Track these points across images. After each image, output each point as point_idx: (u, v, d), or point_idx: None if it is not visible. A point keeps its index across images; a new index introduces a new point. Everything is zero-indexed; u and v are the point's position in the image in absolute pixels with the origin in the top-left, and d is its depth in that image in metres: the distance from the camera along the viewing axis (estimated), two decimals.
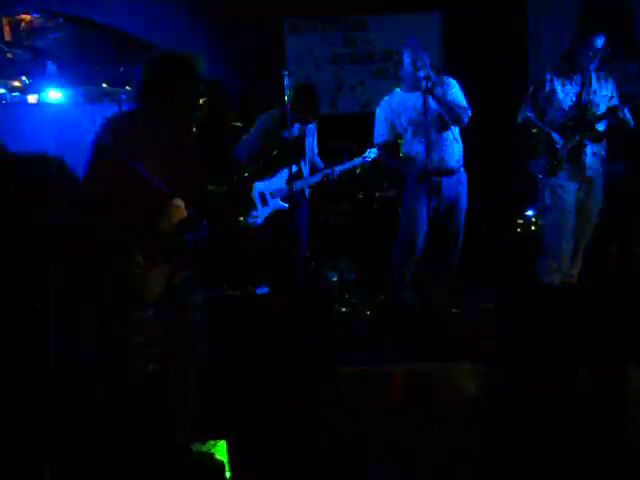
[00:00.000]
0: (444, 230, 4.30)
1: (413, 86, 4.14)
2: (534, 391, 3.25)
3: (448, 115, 4.11)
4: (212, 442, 2.95)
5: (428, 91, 4.00)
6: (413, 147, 4.24)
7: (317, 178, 4.60)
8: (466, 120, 4.15)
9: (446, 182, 4.21)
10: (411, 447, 2.96)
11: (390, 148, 4.35)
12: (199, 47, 5.81)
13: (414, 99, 4.15)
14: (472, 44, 5.56)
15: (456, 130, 4.25)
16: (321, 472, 2.76)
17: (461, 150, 4.29)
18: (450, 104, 4.10)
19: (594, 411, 3.11)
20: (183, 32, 5.88)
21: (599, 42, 4.00)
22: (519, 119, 4.23)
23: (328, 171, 4.57)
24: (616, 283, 4.36)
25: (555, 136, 4.09)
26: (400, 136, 4.28)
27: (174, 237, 2.59)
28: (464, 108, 4.15)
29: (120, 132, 2.58)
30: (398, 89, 4.32)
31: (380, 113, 4.35)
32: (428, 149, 4.06)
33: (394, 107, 4.28)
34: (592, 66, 4.06)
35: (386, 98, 4.36)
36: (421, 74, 4.01)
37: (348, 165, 4.60)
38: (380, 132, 4.35)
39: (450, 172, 4.22)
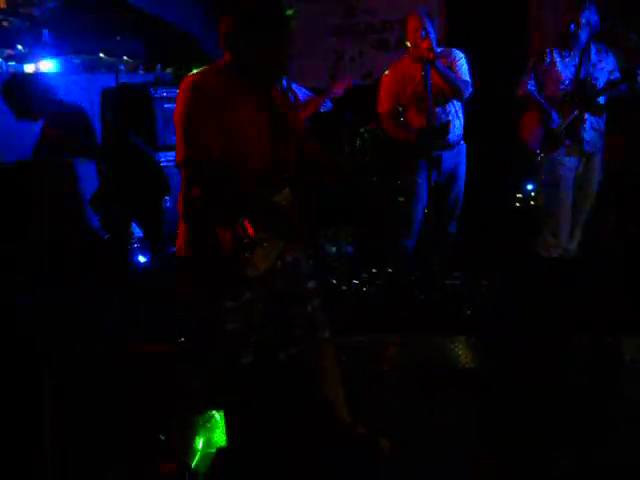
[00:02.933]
0: (443, 202, 4.30)
1: (416, 57, 4.10)
2: (532, 364, 3.28)
3: (449, 88, 4.08)
4: (211, 412, 2.98)
5: (429, 62, 3.97)
6: (415, 120, 4.21)
7: None
8: (467, 95, 4.13)
9: (446, 155, 4.20)
10: (405, 419, 2.99)
11: (392, 117, 4.32)
12: (197, 19, 5.74)
13: (419, 70, 4.11)
14: (474, 15, 5.49)
15: (458, 104, 4.22)
16: (314, 438, 2.79)
17: (462, 124, 4.26)
18: (452, 77, 4.06)
19: (592, 382, 3.14)
20: (183, 4, 5.82)
21: (596, 15, 3.96)
22: (519, 93, 4.20)
23: None
24: (614, 257, 4.36)
25: (553, 115, 4.07)
26: (403, 106, 4.25)
27: (289, 211, 2.41)
28: (466, 83, 4.11)
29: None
30: (405, 58, 4.27)
31: (385, 83, 4.30)
32: (430, 122, 4.05)
33: (400, 76, 4.24)
34: (590, 39, 4.02)
35: (392, 67, 4.32)
36: (423, 45, 3.97)
37: None
38: (384, 100, 4.31)
39: (450, 146, 4.20)
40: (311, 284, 2.60)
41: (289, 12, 2.43)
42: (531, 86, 4.16)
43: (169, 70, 5.48)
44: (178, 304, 3.54)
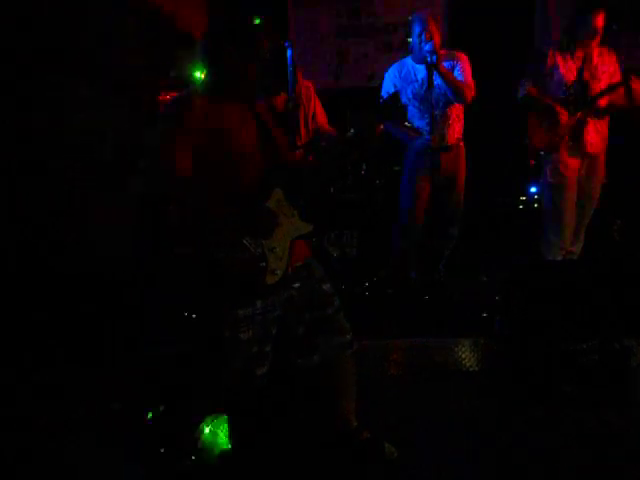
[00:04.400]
0: (444, 205, 4.30)
1: (420, 59, 4.11)
2: (535, 365, 3.28)
3: (451, 91, 4.08)
4: (211, 417, 2.99)
5: (432, 65, 3.97)
6: (415, 121, 4.22)
7: None
8: (469, 99, 4.12)
9: (445, 157, 4.20)
10: (408, 422, 2.99)
11: (395, 110, 4.30)
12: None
13: (422, 72, 4.12)
14: (477, 18, 5.48)
15: (459, 107, 4.22)
16: (317, 443, 2.79)
17: (462, 126, 4.27)
18: (454, 81, 4.06)
19: (596, 384, 3.14)
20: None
21: (600, 18, 3.95)
22: (520, 94, 4.20)
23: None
24: (619, 258, 4.34)
25: (555, 116, 4.06)
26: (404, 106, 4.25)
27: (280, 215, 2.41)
28: (468, 86, 4.11)
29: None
30: (409, 58, 4.27)
31: (388, 79, 4.32)
32: (431, 124, 4.06)
33: (402, 76, 4.25)
34: (593, 42, 4.01)
35: (396, 65, 4.32)
36: (426, 47, 3.98)
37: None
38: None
39: (450, 148, 4.21)
40: (326, 286, 2.61)
41: (257, 21, 2.46)
42: (533, 88, 4.16)
43: (172, 74, 5.49)
44: (188, 311, 3.56)
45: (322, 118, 4.15)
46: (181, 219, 2.38)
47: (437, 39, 4.04)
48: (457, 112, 4.21)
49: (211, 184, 2.31)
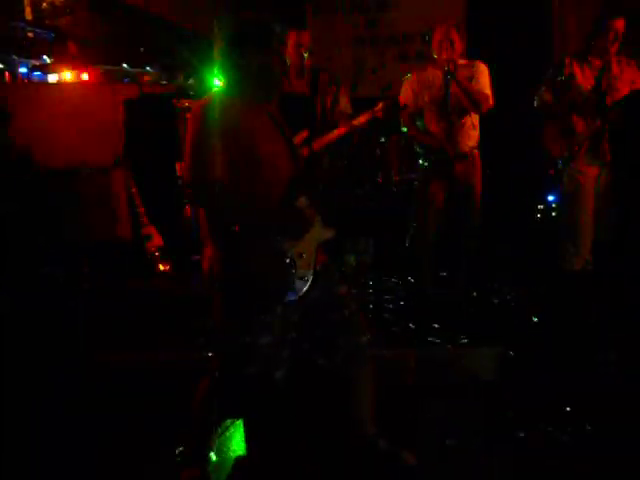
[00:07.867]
0: (460, 214, 4.28)
1: (439, 66, 4.11)
2: (556, 376, 3.25)
3: (467, 101, 4.08)
4: (229, 421, 2.98)
5: (450, 74, 3.98)
6: (432, 126, 4.22)
7: None
8: (485, 109, 4.12)
9: (460, 166, 4.18)
10: (426, 432, 2.97)
11: (410, 118, 4.32)
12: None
13: (440, 79, 4.12)
14: (495, 26, 5.49)
15: (475, 116, 4.21)
16: (333, 444, 2.78)
17: (477, 136, 4.25)
18: (471, 90, 4.06)
19: (616, 394, 3.11)
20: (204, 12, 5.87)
21: (619, 26, 3.93)
22: (537, 103, 4.19)
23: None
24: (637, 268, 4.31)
25: (574, 125, 4.05)
26: (420, 110, 4.26)
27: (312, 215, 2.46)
28: (485, 96, 4.10)
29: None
30: (429, 66, 4.28)
31: (407, 84, 4.32)
32: (447, 130, 4.07)
33: (421, 80, 4.25)
34: (613, 50, 4.00)
35: (418, 70, 4.33)
36: (444, 56, 3.99)
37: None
38: (404, 99, 4.30)
39: (464, 157, 4.19)
40: (342, 289, 2.62)
41: (277, 29, 2.49)
42: (549, 96, 4.15)
43: (191, 81, 5.54)
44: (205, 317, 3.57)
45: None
46: (211, 220, 2.41)
47: (458, 48, 4.04)
48: (473, 120, 4.20)
49: (242, 188, 2.33)
